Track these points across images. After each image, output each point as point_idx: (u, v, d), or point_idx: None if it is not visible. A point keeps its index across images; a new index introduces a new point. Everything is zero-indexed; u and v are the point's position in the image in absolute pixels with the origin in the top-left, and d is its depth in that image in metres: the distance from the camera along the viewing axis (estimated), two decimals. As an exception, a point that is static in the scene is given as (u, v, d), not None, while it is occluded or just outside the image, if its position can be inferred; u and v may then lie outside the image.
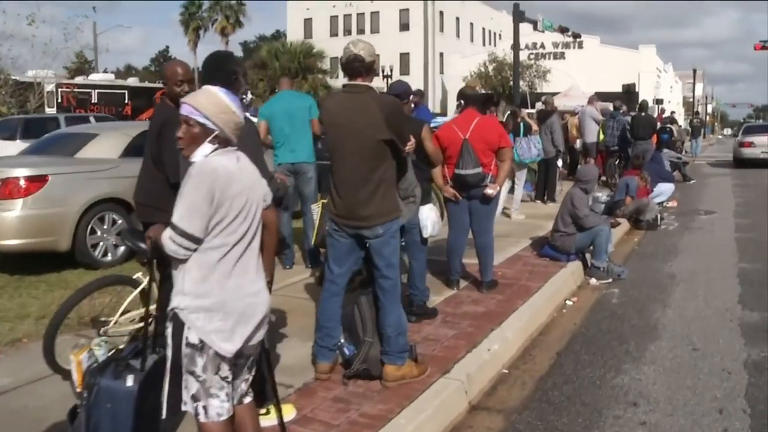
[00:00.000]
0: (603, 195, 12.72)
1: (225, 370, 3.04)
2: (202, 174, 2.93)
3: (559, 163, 14.86)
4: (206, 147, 3.02)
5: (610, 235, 8.47)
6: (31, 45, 28.27)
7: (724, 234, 11.25)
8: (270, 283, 3.40)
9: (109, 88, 33.92)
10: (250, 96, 8.52)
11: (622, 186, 12.01)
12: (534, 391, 5.03)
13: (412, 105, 7.18)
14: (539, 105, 28.75)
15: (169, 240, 2.95)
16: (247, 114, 8.75)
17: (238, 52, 71.09)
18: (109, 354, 3.75)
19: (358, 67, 4.49)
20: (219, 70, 4.00)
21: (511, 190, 12.14)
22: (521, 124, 11.98)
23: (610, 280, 8.10)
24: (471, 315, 6.33)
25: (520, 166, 11.88)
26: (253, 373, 3.34)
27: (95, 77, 36.84)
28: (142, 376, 3.40)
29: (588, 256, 8.43)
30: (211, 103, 3.03)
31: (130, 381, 3.38)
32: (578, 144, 18.62)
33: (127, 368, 3.44)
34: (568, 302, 7.31)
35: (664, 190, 14.45)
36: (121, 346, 3.80)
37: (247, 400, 3.33)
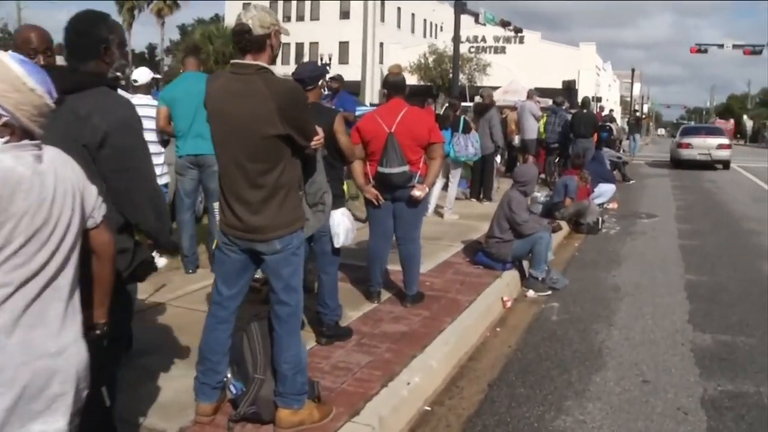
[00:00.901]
0: (541, 195, 12.00)
1: None
2: None
3: (498, 159, 14.12)
4: None
5: (551, 242, 7.71)
6: None
7: (668, 240, 10.63)
8: (101, 332, 2.47)
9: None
10: (136, 75, 7.50)
11: (561, 186, 11.30)
12: (460, 438, 4.19)
13: (326, 91, 6.25)
14: (477, 98, 28.26)
15: None
16: (148, 97, 7.83)
17: (175, 35, 68.86)
18: None
19: (246, 40, 3.53)
20: (85, 35, 3.03)
21: (445, 187, 11.33)
22: (461, 119, 11.14)
23: (549, 292, 7.33)
24: (391, 336, 5.44)
25: (455, 163, 11.07)
26: None
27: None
28: None
29: (525, 264, 7.65)
30: None
31: None
32: (516, 140, 17.94)
33: None
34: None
35: (605, 190, 13.83)
36: None
37: None
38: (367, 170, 6.03)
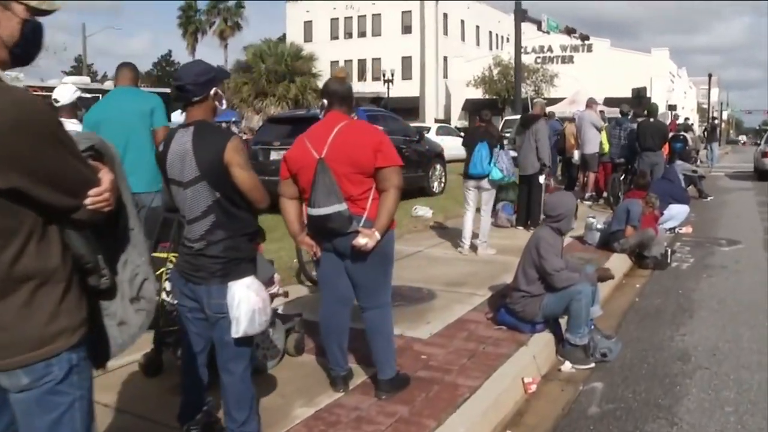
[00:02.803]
0: (597, 221, 10.02)
1: None
2: None
3: (541, 179, 12.19)
4: None
5: (597, 296, 5.84)
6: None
7: (755, 277, 8.54)
8: None
9: (83, 92, 31.64)
10: (57, 94, 6.01)
11: (622, 212, 9.35)
12: None
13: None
14: (556, 111, 26.21)
15: None
16: (73, 121, 6.33)
17: (240, 56, 68.47)
18: None
19: None
20: None
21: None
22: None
23: (592, 365, 5.46)
24: (341, 457, 3.71)
25: (492, 184, 9.23)
26: None
27: (69, 80, 34.52)
28: None
29: (563, 322, 5.81)
30: None
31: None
32: (576, 156, 15.96)
33: None
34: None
35: (677, 213, 11.80)
36: None
37: None
38: (302, 213, 4.41)
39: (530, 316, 5.69)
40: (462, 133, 34.26)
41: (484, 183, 9.10)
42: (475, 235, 9.33)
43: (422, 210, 12.68)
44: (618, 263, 8.88)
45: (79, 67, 69.28)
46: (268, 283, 5.21)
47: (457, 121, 57.14)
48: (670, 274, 8.75)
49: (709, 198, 17.04)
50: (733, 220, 13.40)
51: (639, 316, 6.92)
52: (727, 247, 10.59)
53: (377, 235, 4.18)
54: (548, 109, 26.66)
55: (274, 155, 12.86)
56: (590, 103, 15.68)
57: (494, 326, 5.98)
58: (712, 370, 5.39)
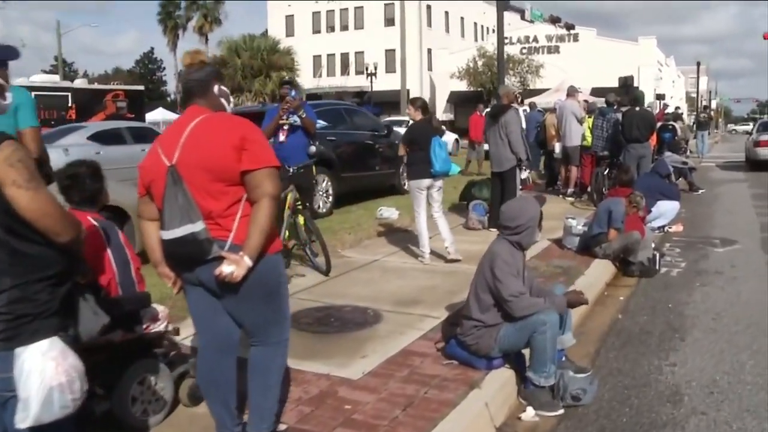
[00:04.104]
0: (577, 223, 8.92)
1: None
2: None
3: (524, 174, 11.12)
4: None
5: (565, 322, 4.78)
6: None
7: (754, 286, 7.47)
8: None
9: (50, 91, 30.48)
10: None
11: (603, 213, 8.27)
12: None
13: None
14: (541, 102, 25.11)
15: None
16: None
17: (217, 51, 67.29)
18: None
19: None
20: None
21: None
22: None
23: (561, 410, 4.39)
24: None
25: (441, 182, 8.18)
26: None
27: (36, 78, 33.35)
28: None
29: (528, 352, 4.72)
30: None
31: None
32: (557, 148, 14.89)
33: None
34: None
35: (666, 210, 10.76)
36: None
37: None
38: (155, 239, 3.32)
39: (484, 350, 4.61)
40: (444, 127, 33.27)
41: (440, 182, 8.07)
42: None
43: (387, 211, 11.57)
44: (599, 271, 7.82)
45: (58, 65, 68.00)
46: (152, 320, 4.16)
47: (442, 114, 56.06)
48: (659, 283, 7.69)
49: (700, 191, 15.99)
50: (727, 216, 12.32)
51: (621, 339, 5.84)
52: (721, 248, 9.53)
53: (247, 261, 3.11)
54: (531, 100, 25.69)
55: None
56: (572, 92, 14.60)
57: (444, 361, 4.90)
58: (709, 416, 4.31)
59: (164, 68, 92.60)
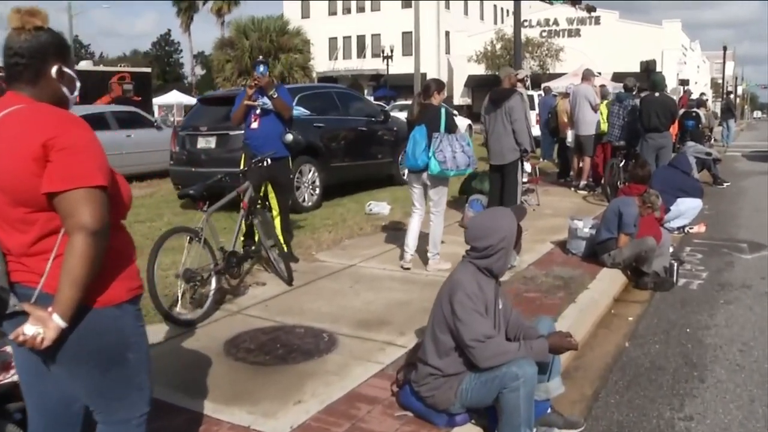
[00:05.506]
0: (584, 225, 7.80)
1: None
2: None
3: (527, 167, 10.01)
4: None
5: (551, 368, 3.72)
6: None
7: (789, 303, 6.36)
8: None
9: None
10: None
11: (612, 215, 7.16)
12: None
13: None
14: (558, 86, 23.84)
15: None
16: None
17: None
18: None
19: None
20: None
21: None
22: (441, 111, 7.08)
23: (540, 492, 3.35)
24: None
25: (438, 179, 7.08)
26: None
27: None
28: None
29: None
30: None
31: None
32: (569, 137, 13.75)
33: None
34: None
35: (687, 209, 9.61)
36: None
37: None
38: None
39: (443, 404, 3.57)
40: (455, 112, 32.07)
41: (425, 178, 7.00)
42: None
43: (378, 206, 10.50)
44: (606, 284, 6.73)
45: (75, 47, 67.47)
46: (3, 368, 3.22)
47: (459, 98, 54.83)
48: (676, 299, 6.58)
49: (725, 185, 14.75)
50: (755, 216, 11.09)
51: (627, 377, 4.76)
52: (749, 254, 8.37)
53: (57, 321, 2.12)
54: (546, 84, 24.49)
55: (201, 143, 10.73)
56: (587, 76, 13.41)
57: (396, 410, 3.86)
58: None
59: (181, 50, 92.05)
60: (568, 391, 4.12)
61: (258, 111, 7.29)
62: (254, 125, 7.34)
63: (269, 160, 6.86)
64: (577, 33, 51.60)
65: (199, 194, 5.99)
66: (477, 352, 3.36)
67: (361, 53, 60.78)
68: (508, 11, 64.88)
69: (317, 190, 11.12)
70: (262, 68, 7.19)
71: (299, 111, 9.99)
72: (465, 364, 3.50)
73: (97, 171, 2.23)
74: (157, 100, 48.49)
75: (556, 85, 23.18)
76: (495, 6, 65.97)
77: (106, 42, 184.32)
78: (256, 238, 6.92)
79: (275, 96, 7.20)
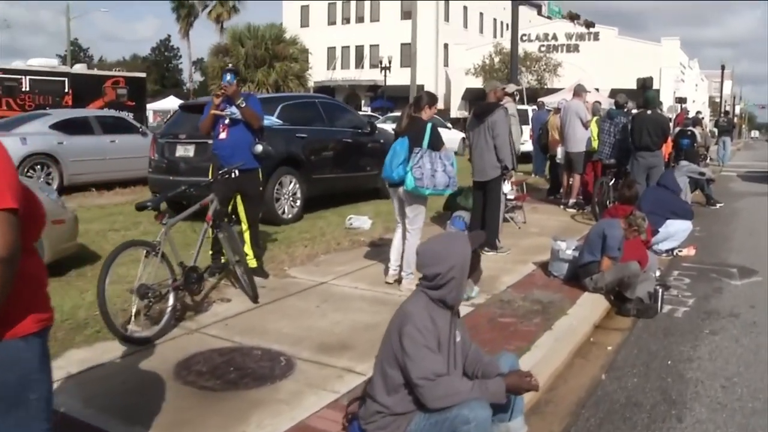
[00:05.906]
0: (567, 247, 7.50)
1: None
2: None
3: (506, 187, 9.72)
4: None
5: (514, 405, 3.41)
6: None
7: (779, 337, 6.06)
8: None
9: (46, 75, 29.50)
10: None
11: (596, 237, 6.87)
12: None
13: None
14: (551, 101, 23.51)
15: None
16: None
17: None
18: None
19: None
20: None
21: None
22: (427, 126, 6.80)
23: None
24: None
25: (415, 197, 6.79)
26: None
27: (33, 62, 32.35)
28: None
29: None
30: None
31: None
32: (559, 153, 13.48)
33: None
34: None
35: (676, 231, 9.31)
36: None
37: None
38: None
39: (391, 448, 3.25)
40: (449, 125, 31.81)
41: (401, 193, 6.72)
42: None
43: (358, 220, 10.20)
44: (587, 309, 6.43)
45: (74, 50, 67.34)
46: None
47: (456, 111, 54.66)
48: (659, 327, 6.28)
49: (718, 205, 14.49)
50: (748, 239, 10.81)
51: (600, 414, 4.44)
52: (739, 280, 8.07)
53: None
54: (541, 99, 24.21)
55: (180, 150, 10.43)
56: (578, 91, 13.14)
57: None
58: None
59: (180, 56, 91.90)
60: (534, 429, 3.84)
61: (226, 121, 7.02)
62: (222, 135, 7.07)
63: (237, 172, 6.58)
64: (576, 48, 51.54)
65: (156, 206, 5.68)
66: (425, 392, 3.06)
67: (359, 63, 60.68)
68: (507, 25, 64.67)
69: (298, 202, 10.81)
70: (229, 77, 6.93)
71: (270, 121, 9.70)
72: (414, 403, 3.19)
73: (7, 191, 1.94)
74: (154, 106, 48.35)
75: (550, 101, 22.89)
76: (495, 19, 65.93)
77: (108, 46, 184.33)
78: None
79: (243, 105, 6.94)
